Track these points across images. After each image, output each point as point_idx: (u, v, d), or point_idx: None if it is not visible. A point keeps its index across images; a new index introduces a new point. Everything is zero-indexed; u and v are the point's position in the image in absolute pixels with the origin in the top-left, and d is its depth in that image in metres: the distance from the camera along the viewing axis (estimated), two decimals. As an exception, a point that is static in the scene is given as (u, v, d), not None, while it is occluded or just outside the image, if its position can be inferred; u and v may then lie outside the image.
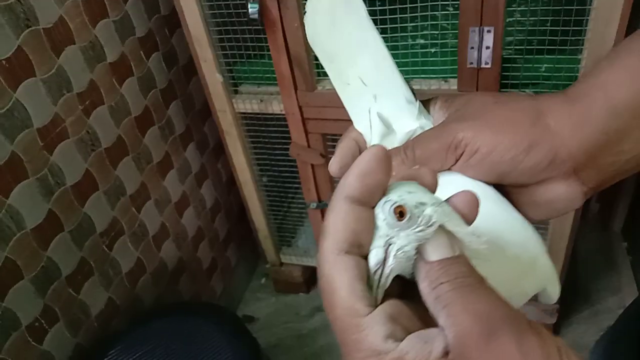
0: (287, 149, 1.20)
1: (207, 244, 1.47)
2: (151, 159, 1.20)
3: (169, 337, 1.05)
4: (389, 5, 0.93)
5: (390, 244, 0.26)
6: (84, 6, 0.98)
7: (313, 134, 1.15)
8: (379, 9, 0.93)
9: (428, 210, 0.26)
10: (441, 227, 0.26)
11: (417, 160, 0.35)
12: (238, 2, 1.03)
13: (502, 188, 0.36)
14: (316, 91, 1.08)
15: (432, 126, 0.38)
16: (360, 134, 0.39)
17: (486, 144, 0.33)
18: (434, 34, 0.95)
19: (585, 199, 0.35)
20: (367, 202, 0.26)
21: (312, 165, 1.20)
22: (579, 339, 1.38)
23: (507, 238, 0.34)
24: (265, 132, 1.27)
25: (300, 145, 1.17)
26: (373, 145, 0.27)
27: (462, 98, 0.37)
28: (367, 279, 0.26)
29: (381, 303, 0.25)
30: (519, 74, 0.95)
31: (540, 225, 1.11)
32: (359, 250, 0.26)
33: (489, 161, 0.34)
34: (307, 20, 0.39)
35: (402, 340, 0.24)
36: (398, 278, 0.27)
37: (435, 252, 0.26)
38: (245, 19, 1.02)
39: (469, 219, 0.28)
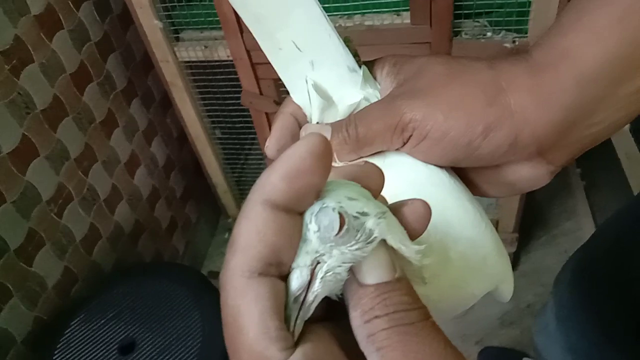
0: (239, 98, 1.15)
1: (164, 202, 1.42)
2: (93, 118, 1.13)
3: (133, 300, 1.02)
4: None
5: (318, 262, 0.21)
6: (-5, -48, 0.88)
7: (264, 79, 1.09)
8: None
9: (369, 223, 0.21)
10: (381, 242, 0.21)
11: (360, 141, 0.31)
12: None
13: (458, 168, 0.32)
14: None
15: (378, 97, 0.33)
16: (299, 107, 0.34)
17: (437, 128, 0.29)
18: (383, -36, 0.90)
19: (552, 177, 0.31)
20: (294, 208, 0.21)
21: (267, 114, 1.16)
22: (539, 263, 1.42)
23: (456, 234, 0.30)
24: (213, 81, 1.21)
25: (251, 92, 1.12)
26: (309, 134, 0.21)
27: (413, 64, 0.32)
28: (285, 307, 0.20)
29: (299, 338, 0.20)
30: (472, 2, 0.92)
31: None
32: (277, 269, 0.20)
33: (440, 147, 0.29)
34: None
35: None
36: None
37: (372, 274, 0.21)
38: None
39: (415, 235, 0.23)
